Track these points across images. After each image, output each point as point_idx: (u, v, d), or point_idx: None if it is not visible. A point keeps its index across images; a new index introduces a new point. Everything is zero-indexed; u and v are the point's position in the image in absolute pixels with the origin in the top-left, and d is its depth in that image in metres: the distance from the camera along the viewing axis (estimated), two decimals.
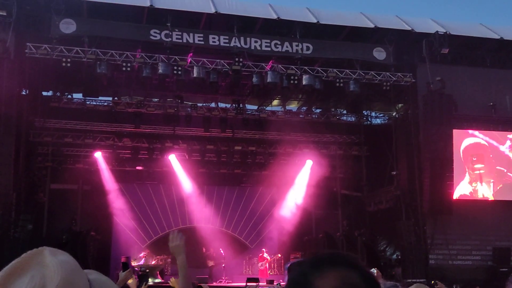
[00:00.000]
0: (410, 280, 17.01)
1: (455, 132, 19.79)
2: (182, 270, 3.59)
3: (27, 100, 19.20)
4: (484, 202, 20.06)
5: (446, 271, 19.05)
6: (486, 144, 20.49)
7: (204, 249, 20.85)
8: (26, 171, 19.06)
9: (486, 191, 20.20)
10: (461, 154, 20.12)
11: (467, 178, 20.17)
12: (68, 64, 17.53)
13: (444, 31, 19.37)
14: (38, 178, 20.85)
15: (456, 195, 19.58)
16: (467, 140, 20.36)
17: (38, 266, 1.12)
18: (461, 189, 19.94)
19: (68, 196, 21.96)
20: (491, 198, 20.21)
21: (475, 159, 20.39)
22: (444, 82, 19.52)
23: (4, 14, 16.57)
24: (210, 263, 20.45)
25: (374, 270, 6.91)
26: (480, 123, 20.61)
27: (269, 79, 18.88)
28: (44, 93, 21.39)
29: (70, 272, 1.11)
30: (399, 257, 20.63)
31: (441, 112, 19.56)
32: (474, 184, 20.19)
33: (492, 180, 20.34)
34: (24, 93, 19.18)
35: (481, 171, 20.37)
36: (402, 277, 18.86)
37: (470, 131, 20.43)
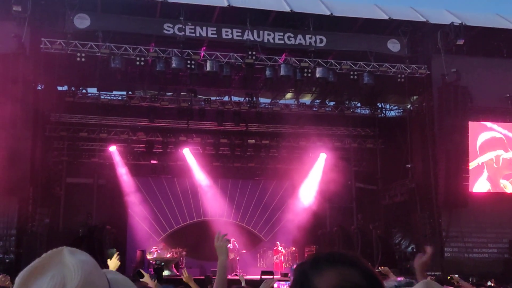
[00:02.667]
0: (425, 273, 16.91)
1: (471, 124, 19.59)
2: (221, 271, 3.62)
3: (42, 95, 19.37)
4: (500, 195, 19.86)
5: (462, 264, 18.94)
6: (503, 137, 20.26)
7: None
8: (43, 165, 19.26)
9: (507, 185, 20.01)
10: (478, 149, 19.92)
11: (485, 173, 19.97)
12: (83, 59, 17.65)
13: (460, 22, 19.14)
14: (54, 172, 21.09)
15: (474, 189, 19.40)
16: (484, 134, 20.15)
17: (58, 265, 1.14)
18: (480, 185, 19.74)
19: (84, 190, 22.18)
20: (509, 191, 20.00)
21: (492, 152, 20.18)
22: (460, 73, 19.31)
23: (19, 9, 16.70)
24: (230, 256, 20.40)
25: (380, 269, 6.87)
26: (496, 114, 20.37)
27: (282, 72, 18.83)
28: (59, 88, 21.56)
29: (90, 272, 1.12)
30: (414, 250, 20.53)
31: (457, 104, 19.37)
32: (492, 179, 19.99)
33: (509, 173, 20.13)
34: (39, 88, 19.35)
35: (497, 165, 20.15)
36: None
37: (489, 124, 20.21)
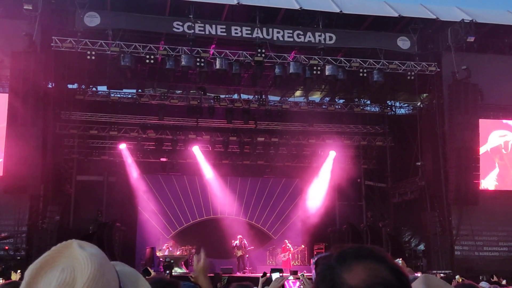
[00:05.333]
0: (435, 272, 16.86)
1: (482, 121, 19.46)
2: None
3: (53, 93, 19.49)
4: (511, 193, 19.72)
5: (472, 263, 18.84)
6: None
7: (232, 240, 20.85)
8: (53, 163, 19.39)
9: None
10: (488, 146, 19.80)
11: (496, 170, 19.86)
12: (93, 57, 17.75)
13: (470, 19, 18.99)
14: (65, 170, 21.21)
15: (484, 186, 19.29)
16: (495, 132, 20.03)
17: (68, 259, 1.14)
18: (489, 182, 19.64)
19: (94, 188, 22.32)
20: None
21: (504, 151, 20.06)
22: (470, 71, 19.18)
23: (30, 8, 16.80)
24: (239, 253, 20.38)
25: (399, 261, 6.84)
26: (507, 112, 20.22)
27: (291, 70, 18.81)
28: (70, 86, 21.70)
29: (100, 264, 1.13)
30: (425, 248, 20.45)
31: (467, 101, 19.25)
32: (502, 176, 19.88)
33: None
34: (50, 86, 19.48)
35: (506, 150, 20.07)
36: (427, 268, 18.70)
37: (504, 121, 20.08)
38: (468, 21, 18.89)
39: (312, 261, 1.55)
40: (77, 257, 1.13)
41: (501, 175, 20.06)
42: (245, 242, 20.72)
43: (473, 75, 19.21)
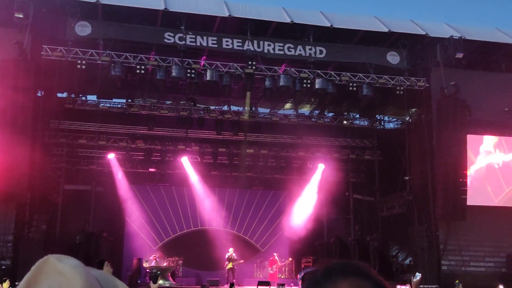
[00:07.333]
0: (422, 286, 16.89)
1: (470, 137, 19.63)
2: None
3: (42, 102, 19.39)
4: (498, 208, 19.85)
5: (459, 277, 18.88)
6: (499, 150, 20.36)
7: (226, 253, 20.55)
8: (41, 172, 19.22)
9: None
10: (476, 160, 19.97)
11: (483, 185, 20.00)
12: (83, 66, 17.70)
13: (459, 35, 19.24)
14: (53, 179, 21.03)
15: (472, 202, 19.40)
16: (483, 147, 20.25)
17: (51, 275, 1.10)
18: (478, 198, 19.75)
19: (82, 197, 22.16)
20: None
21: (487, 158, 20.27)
22: (458, 87, 19.39)
23: (21, 16, 16.76)
24: (230, 266, 20.15)
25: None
26: (494, 128, 20.42)
27: (281, 83, 18.90)
28: (59, 95, 21.58)
29: (86, 275, 1.11)
30: (412, 262, 20.48)
31: (455, 117, 19.42)
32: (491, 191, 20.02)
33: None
34: (39, 94, 19.38)
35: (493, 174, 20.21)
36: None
37: (487, 137, 20.29)
38: (457, 37, 19.14)
39: (299, 276, 1.56)
40: (61, 272, 1.10)
41: (487, 190, 20.16)
42: (234, 255, 20.65)
43: (461, 91, 19.42)
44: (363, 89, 19.30)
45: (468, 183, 19.29)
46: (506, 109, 20.25)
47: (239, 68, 18.77)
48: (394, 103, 22.08)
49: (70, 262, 1.12)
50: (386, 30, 19.24)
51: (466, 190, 19.15)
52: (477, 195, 19.65)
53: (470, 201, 19.11)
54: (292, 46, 19.12)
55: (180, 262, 21.19)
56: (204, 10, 18.64)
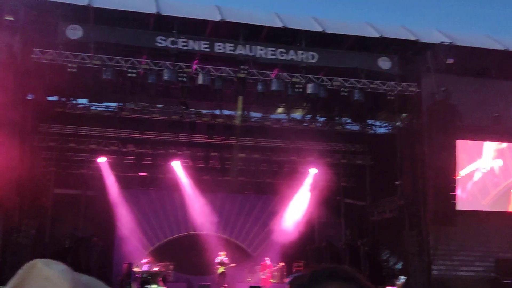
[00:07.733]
0: None
1: (459, 142, 19.75)
2: None
3: (32, 105, 19.27)
4: (486, 213, 19.98)
5: (449, 282, 18.96)
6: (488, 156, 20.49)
7: (216, 257, 20.50)
8: (30, 175, 19.07)
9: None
10: (466, 167, 20.08)
11: (471, 189, 20.11)
12: (74, 70, 17.61)
13: (450, 41, 19.38)
14: (42, 183, 20.89)
15: (462, 207, 19.50)
16: (472, 152, 20.37)
17: (38, 280, 1.08)
18: (467, 203, 19.87)
19: (72, 201, 22.01)
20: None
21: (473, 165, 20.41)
22: (449, 92, 19.52)
23: (12, 19, 16.69)
24: (221, 270, 20.08)
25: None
26: (484, 134, 20.55)
27: (274, 87, 18.92)
28: (49, 98, 21.45)
29: (74, 280, 1.09)
30: (402, 267, 20.53)
31: (445, 122, 19.53)
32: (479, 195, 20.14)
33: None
34: (29, 97, 19.26)
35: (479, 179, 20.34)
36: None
37: (477, 142, 20.41)
38: (448, 43, 19.28)
39: (287, 280, 1.56)
40: (48, 277, 1.08)
41: (475, 194, 20.29)
42: (226, 259, 20.59)
43: (452, 96, 19.55)
44: (355, 94, 19.36)
45: (458, 188, 19.40)
46: (496, 114, 20.40)
47: (231, 72, 18.77)
48: (386, 108, 22.17)
49: (57, 267, 1.10)
50: (377, 35, 19.35)
51: (455, 195, 19.26)
52: (466, 199, 19.78)
53: (460, 206, 19.22)
54: (284, 51, 19.16)
55: (171, 266, 21.09)
56: (196, 14, 18.65)
